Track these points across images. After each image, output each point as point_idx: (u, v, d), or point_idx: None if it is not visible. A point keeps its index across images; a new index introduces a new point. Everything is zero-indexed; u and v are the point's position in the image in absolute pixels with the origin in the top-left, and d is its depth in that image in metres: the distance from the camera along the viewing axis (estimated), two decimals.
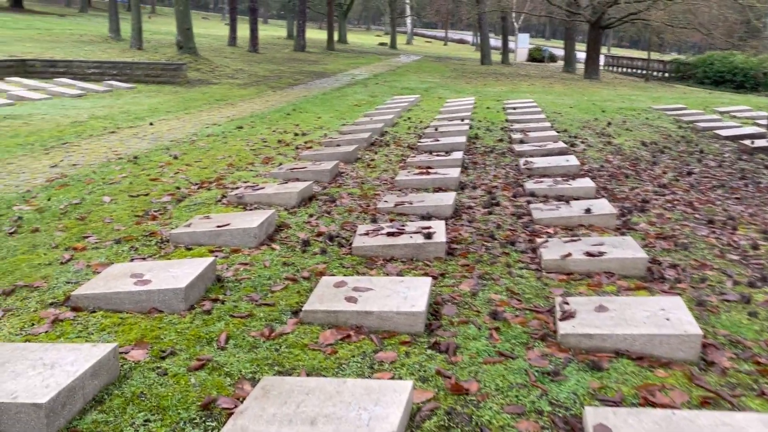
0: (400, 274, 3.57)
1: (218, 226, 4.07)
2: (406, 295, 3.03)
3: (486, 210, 4.95)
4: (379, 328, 2.87)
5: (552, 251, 3.82)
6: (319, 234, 4.24)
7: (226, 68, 18.94)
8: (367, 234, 4.10)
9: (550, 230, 4.45)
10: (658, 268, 3.77)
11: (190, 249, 3.90)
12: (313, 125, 9.41)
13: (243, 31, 28.01)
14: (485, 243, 4.16)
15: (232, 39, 27.37)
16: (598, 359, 2.64)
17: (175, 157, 6.73)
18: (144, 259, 3.72)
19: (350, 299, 3.02)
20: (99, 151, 7.04)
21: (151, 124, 9.15)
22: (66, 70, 14.83)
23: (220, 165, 6.43)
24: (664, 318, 2.86)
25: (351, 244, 4.02)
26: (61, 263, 3.61)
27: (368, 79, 18.78)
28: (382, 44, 45.09)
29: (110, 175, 5.87)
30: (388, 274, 3.56)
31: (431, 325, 2.92)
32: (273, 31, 45.80)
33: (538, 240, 4.12)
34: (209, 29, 37.22)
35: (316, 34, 42.67)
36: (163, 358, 2.57)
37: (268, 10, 64.27)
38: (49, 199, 4.96)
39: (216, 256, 3.77)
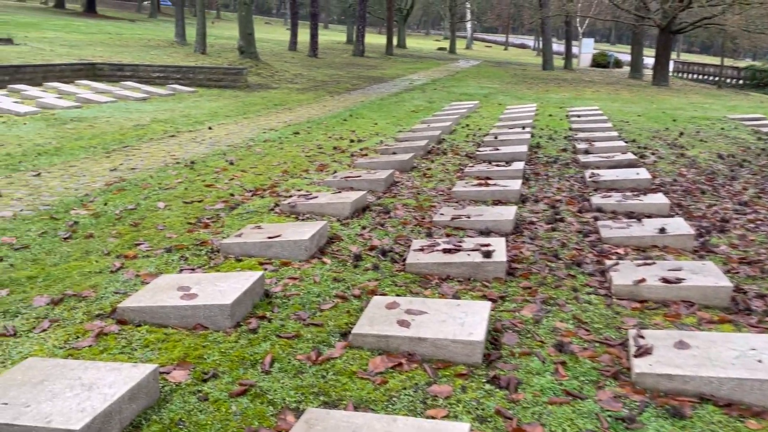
0: (456, 295, 3.35)
1: (269, 237, 3.95)
2: (463, 321, 2.81)
3: (549, 226, 4.67)
4: (433, 357, 2.67)
5: (623, 275, 3.52)
6: (372, 248, 4.07)
7: (286, 73, 19.12)
8: (421, 250, 3.89)
9: (620, 251, 4.13)
10: (744, 298, 3.40)
11: (240, 260, 3.79)
12: (370, 131, 9.28)
13: (304, 35, 28.31)
14: (549, 263, 3.88)
15: (293, 44, 27.71)
16: (680, 405, 2.35)
17: (231, 163, 6.71)
18: (193, 270, 3.63)
19: (403, 323, 2.82)
20: (158, 155, 7.11)
21: (210, 128, 9.23)
22: (132, 74, 15.26)
23: (275, 171, 6.37)
24: (756, 359, 2.53)
25: (405, 260, 3.82)
26: (111, 272, 3.57)
27: (426, 85, 18.58)
28: (441, 49, 44.83)
29: (166, 180, 5.88)
30: (443, 295, 3.35)
31: (490, 355, 2.69)
32: (333, 35, 46.25)
33: (608, 262, 3.81)
34: (271, 34, 37.87)
35: (375, 39, 42.81)
36: (205, 381, 2.44)
37: (328, 15, 65.03)
38: (105, 204, 4.99)
39: (265, 269, 3.65)
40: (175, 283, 3.20)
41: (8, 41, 18.47)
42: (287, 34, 31.08)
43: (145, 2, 46.52)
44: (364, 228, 4.50)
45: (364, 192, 5.25)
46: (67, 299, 3.17)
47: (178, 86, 14.40)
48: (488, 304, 3.00)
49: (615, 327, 3.02)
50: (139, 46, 21.78)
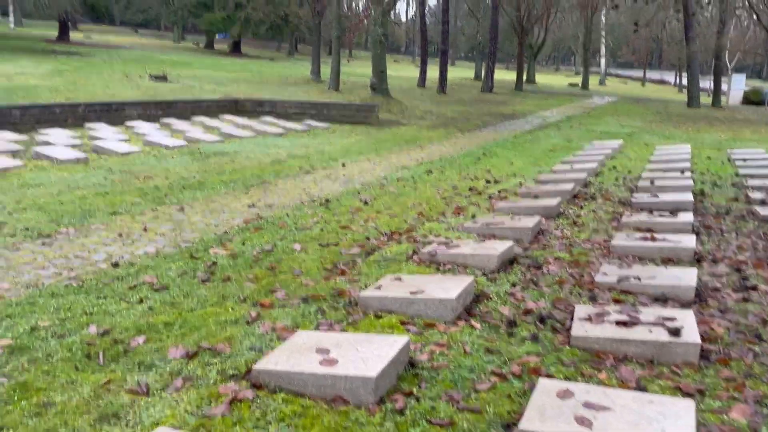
0: (640, 383, 2.75)
1: (411, 293, 3.58)
2: (663, 427, 2.23)
3: (739, 295, 3.90)
4: None
5: None
6: (527, 312, 3.56)
7: (416, 109, 19.11)
8: (588, 319, 3.33)
9: None
10: None
11: (379, 317, 3.44)
12: (506, 172, 8.78)
13: (432, 72, 28.43)
14: (750, 346, 3.17)
15: (422, 80, 27.88)
16: None
17: (366, 203, 6.50)
18: (331, 325, 3.33)
19: (582, 421, 2.30)
20: (294, 192, 7.07)
21: (343, 165, 9.18)
22: (271, 110, 15.88)
23: (410, 213, 6.05)
24: None
25: (568, 329, 3.29)
26: (247, 322, 3.35)
27: (561, 122, 17.74)
28: (572, 85, 43.34)
29: (302, 219, 5.75)
30: (623, 383, 2.77)
31: None
32: (460, 72, 46.29)
33: None
34: (399, 71, 38.54)
35: (502, 75, 42.21)
36: None
37: (456, 51, 65.46)
38: (243, 244, 4.89)
39: (408, 330, 3.27)
40: (314, 344, 2.90)
41: (163, 78, 20.07)
42: (415, 71, 31.41)
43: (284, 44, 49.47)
44: (514, 285, 4.01)
45: (511, 243, 4.76)
46: (202, 353, 2.96)
47: (313, 122, 14.75)
48: (691, 405, 2.39)
49: None
50: (278, 83, 22.86)
